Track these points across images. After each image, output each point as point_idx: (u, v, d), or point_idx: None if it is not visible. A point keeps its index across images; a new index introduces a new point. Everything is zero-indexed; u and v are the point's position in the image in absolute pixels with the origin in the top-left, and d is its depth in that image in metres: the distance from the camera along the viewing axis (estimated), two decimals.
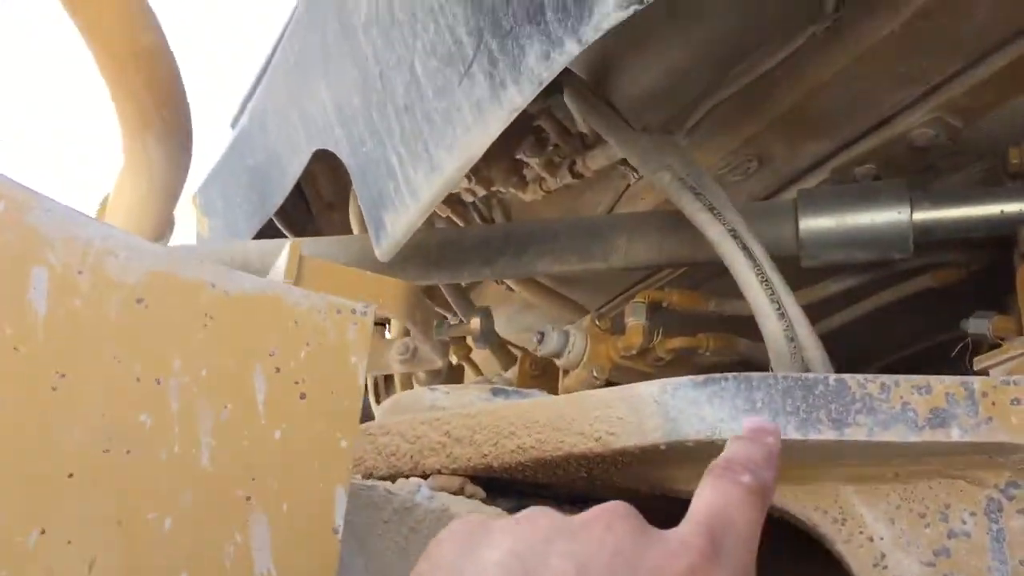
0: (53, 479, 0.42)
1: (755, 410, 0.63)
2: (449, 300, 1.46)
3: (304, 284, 0.84)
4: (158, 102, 0.66)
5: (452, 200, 1.38)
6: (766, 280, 0.80)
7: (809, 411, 0.62)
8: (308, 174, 1.45)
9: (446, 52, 0.77)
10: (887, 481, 0.63)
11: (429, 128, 0.81)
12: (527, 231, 1.13)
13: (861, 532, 0.62)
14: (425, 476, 0.73)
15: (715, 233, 0.84)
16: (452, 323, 1.05)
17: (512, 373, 1.30)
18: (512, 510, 0.69)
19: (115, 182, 0.77)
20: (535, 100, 1.12)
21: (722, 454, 0.45)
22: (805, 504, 0.65)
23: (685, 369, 1.11)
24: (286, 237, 1.46)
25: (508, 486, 0.75)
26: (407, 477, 0.72)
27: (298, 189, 1.50)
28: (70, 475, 0.42)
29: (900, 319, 1.17)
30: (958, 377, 0.60)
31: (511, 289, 1.54)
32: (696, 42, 1.02)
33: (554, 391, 1.15)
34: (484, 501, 0.72)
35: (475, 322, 1.10)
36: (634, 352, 1.09)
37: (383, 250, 0.93)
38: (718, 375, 0.64)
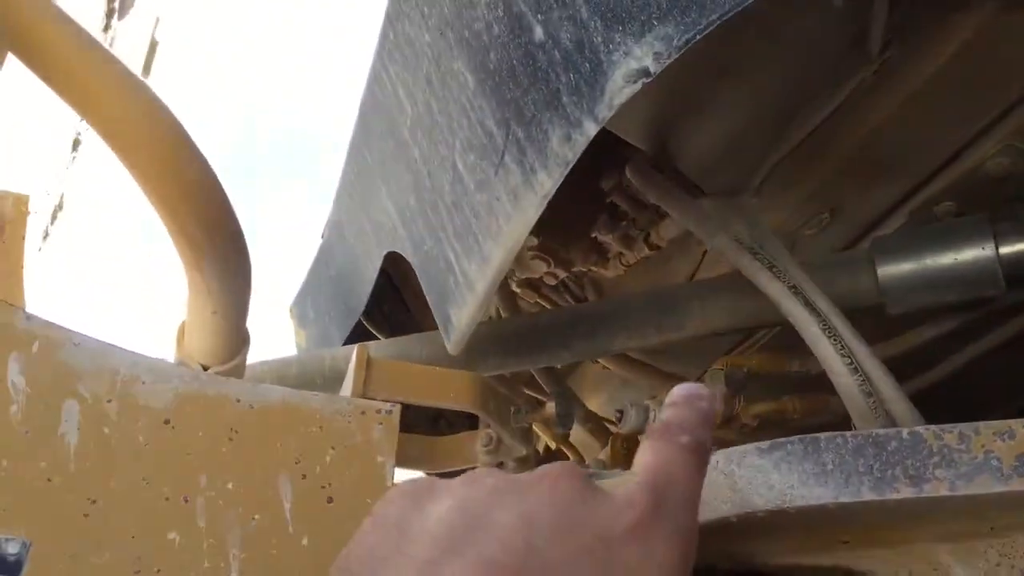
0: None
1: (825, 473, 0.60)
2: (542, 384, 1.46)
3: (373, 384, 0.86)
4: (209, 231, 0.70)
5: (535, 285, 1.39)
6: (834, 335, 0.76)
7: (884, 469, 0.58)
8: (401, 275, 1.50)
9: (480, 145, 0.79)
10: (983, 537, 0.58)
11: (476, 221, 0.83)
12: (597, 310, 1.12)
13: None
14: None
15: (775, 291, 0.81)
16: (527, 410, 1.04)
17: (605, 453, 1.28)
18: None
19: (187, 307, 0.82)
20: (608, 177, 1.13)
21: (657, 419, 0.46)
22: (898, 569, 0.61)
23: (778, 433, 1.06)
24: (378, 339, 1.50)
25: None
26: None
27: (395, 290, 1.55)
28: None
29: (1018, 359, 1.09)
30: None
31: (607, 368, 1.52)
32: (748, 100, 1.01)
33: None
34: None
35: (549, 406, 1.09)
36: (717, 422, 1.05)
37: (453, 344, 0.95)
38: (783, 439, 0.62)
